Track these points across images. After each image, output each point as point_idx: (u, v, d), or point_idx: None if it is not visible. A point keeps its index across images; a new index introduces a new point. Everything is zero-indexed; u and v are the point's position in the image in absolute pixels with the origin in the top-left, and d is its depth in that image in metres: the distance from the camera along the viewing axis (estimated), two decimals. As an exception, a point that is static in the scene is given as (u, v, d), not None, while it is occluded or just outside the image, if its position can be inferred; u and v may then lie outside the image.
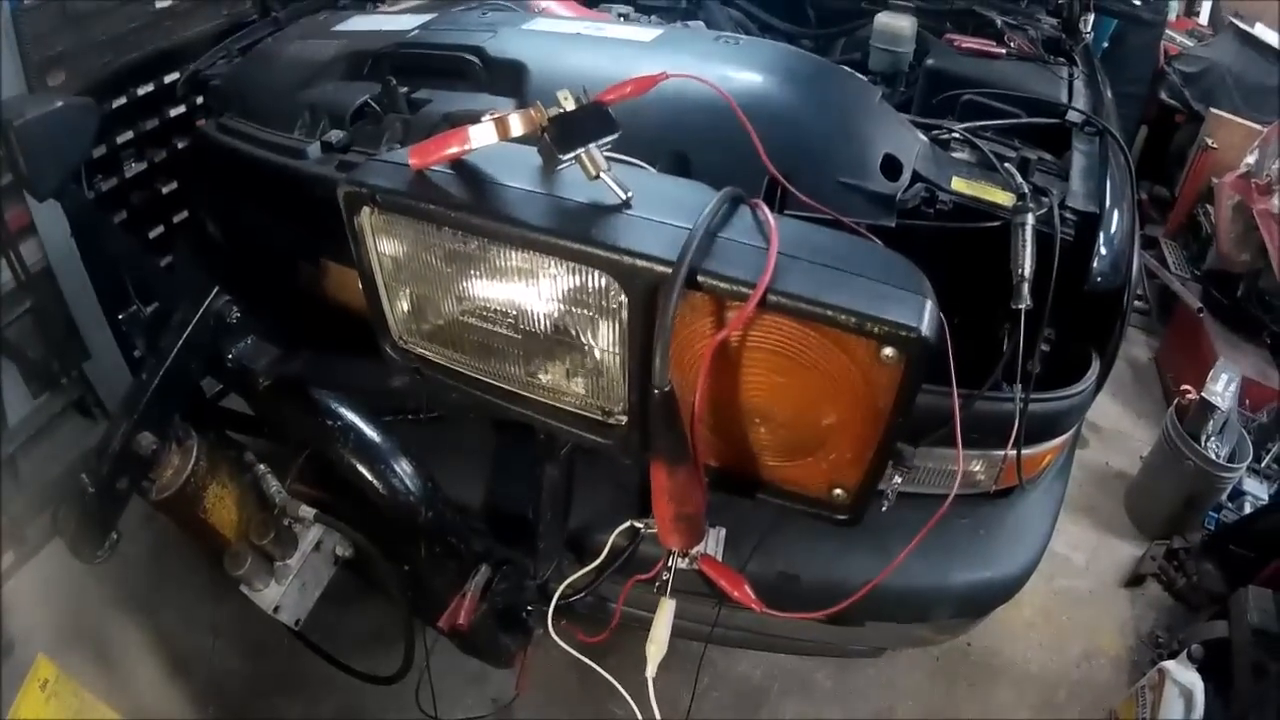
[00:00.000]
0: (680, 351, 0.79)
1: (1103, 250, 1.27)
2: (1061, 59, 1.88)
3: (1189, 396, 2.41)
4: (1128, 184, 1.45)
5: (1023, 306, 1.13)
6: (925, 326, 0.69)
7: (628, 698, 1.05)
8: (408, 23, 1.63)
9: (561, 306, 0.82)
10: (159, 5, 2.10)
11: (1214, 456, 2.32)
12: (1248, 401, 2.59)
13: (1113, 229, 1.29)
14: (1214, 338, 2.80)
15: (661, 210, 0.77)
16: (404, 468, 1.26)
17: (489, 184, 0.81)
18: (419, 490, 1.26)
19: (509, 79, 1.38)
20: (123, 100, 2.05)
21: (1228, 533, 2.38)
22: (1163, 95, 3.58)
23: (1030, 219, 1.17)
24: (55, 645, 1.60)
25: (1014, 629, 2.27)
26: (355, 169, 0.88)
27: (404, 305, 0.94)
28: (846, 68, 1.54)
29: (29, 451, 2.00)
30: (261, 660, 1.98)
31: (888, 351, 0.71)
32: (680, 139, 1.20)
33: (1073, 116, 1.56)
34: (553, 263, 0.78)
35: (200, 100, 1.92)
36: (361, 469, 1.23)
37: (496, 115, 0.80)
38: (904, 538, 1.34)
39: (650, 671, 0.99)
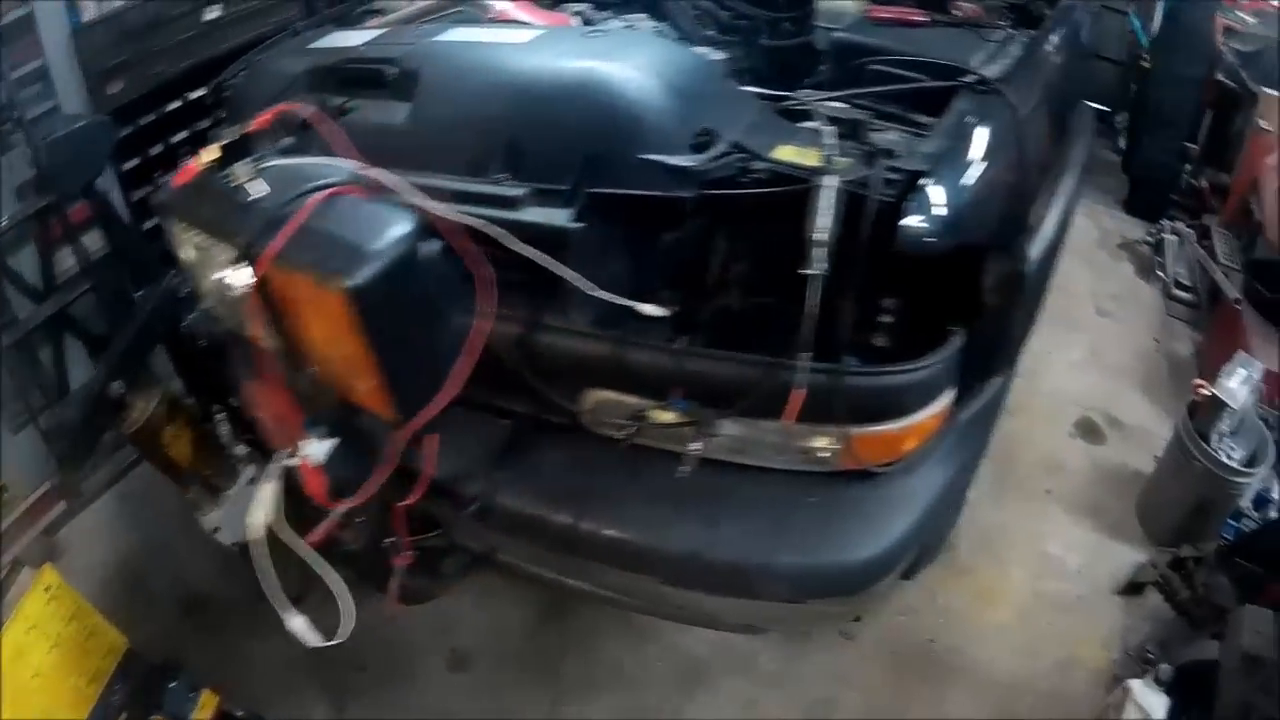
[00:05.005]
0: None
1: (934, 209, 1.19)
2: (1005, 24, 1.83)
3: (1202, 392, 2.20)
4: (1010, 141, 1.39)
5: (813, 272, 1.13)
6: (355, 279, 1.00)
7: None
8: (360, 39, 1.83)
9: None
10: (207, 17, 2.39)
11: (1225, 458, 2.12)
12: (1277, 400, 2.33)
13: (945, 187, 1.21)
14: (1250, 330, 2.51)
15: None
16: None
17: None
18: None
19: (408, 86, 1.53)
20: (154, 114, 2.35)
21: (1245, 544, 2.16)
22: (1219, 76, 3.22)
23: (834, 180, 1.15)
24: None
25: (984, 629, 2.17)
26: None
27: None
28: (701, 50, 1.63)
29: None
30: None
31: (336, 295, 1.00)
32: (512, 127, 1.33)
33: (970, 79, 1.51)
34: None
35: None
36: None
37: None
38: (736, 509, 1.39)
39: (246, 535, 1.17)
